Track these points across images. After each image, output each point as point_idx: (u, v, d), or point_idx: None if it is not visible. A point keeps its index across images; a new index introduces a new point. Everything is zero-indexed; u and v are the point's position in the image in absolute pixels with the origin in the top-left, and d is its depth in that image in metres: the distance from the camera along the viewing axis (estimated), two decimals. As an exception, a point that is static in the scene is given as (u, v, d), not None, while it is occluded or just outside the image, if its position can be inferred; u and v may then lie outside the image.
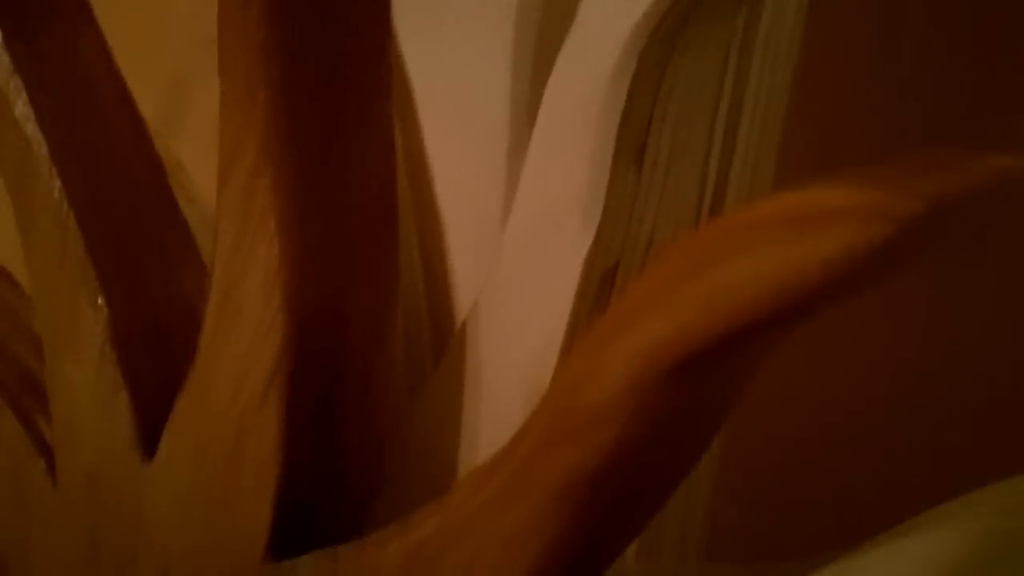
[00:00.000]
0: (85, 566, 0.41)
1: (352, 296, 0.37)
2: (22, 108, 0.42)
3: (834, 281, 0.26)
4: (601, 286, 0.37)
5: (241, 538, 0.38)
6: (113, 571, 0.41)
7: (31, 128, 0.42)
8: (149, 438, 0.40)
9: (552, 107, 0.36)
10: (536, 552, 0.32)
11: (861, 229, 0.26)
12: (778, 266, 0.26)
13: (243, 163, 0.36)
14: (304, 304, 0.36)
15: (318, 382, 0.37)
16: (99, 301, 0.40)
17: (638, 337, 0.29)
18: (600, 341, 0.30)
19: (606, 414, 0.30)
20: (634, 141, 0.36)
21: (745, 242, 0.27)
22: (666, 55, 0.35)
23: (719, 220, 0.28)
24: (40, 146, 0.42)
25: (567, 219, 0.36)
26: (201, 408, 0.39)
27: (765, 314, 0.27)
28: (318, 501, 0.38)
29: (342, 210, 0.36)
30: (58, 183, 0.41)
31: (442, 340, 0.41)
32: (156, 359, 0.41)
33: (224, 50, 0.36)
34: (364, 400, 0.38)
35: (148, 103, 0.42)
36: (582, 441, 0.31)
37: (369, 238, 0.37)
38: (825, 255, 0.26)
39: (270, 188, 0.36)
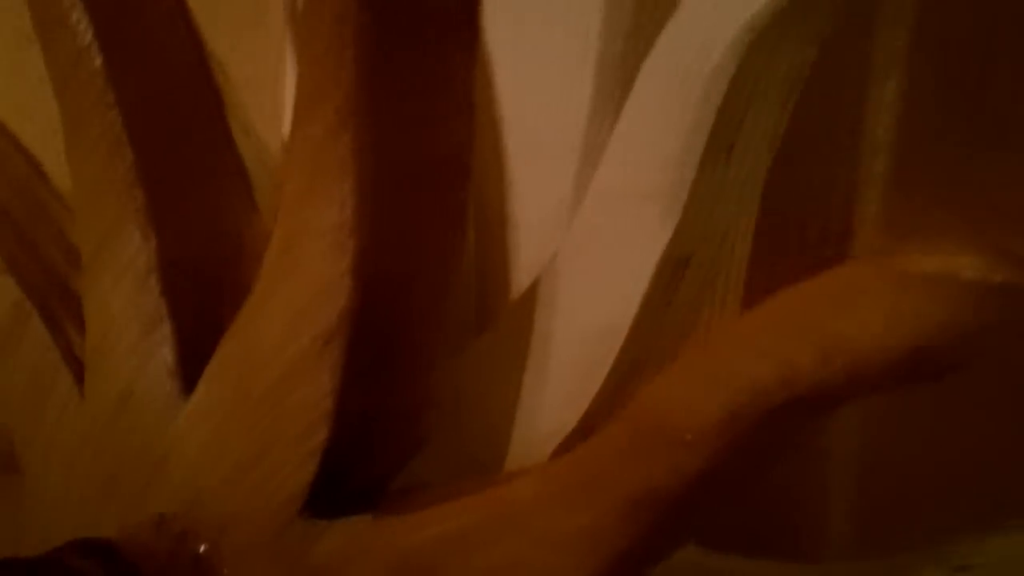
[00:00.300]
0: (103, 484, 0.41)
1: (417, 264, 0.36)
2: (78, 16, 0.40)
3: (966, 344, 0.25)
4: (673, 277, 0.36)
5: (278, 489, 0.37)
6: (131, 494, 0.40)
7: (87, 37, 0.40)
8: (186, 373, 0.39)
9: (643, 97, 0.35)
10: (592, 560, 0.32)
11: (992, 300, 0.25)
12: (909, 324, 0.26)
13: (320, 118, 0.35)
14: (371, 269, 0.35)
15: (373, 346, 0.36)
16: (147, 227, 0.39)
17: (742, 375, 0.28)
18: (698, 369, 0.29)
19: (695, 442, 0.29)
20: (727, 138, 0.35)
21: (870, 295, 0.27)
22: (765, 56, 0.35)
23: (838, 269, 0.27)
24: (95, 57, 0.40)
25: (648, 207, 0.36)
26: (248, 355, 0.38)
27: (885, 370, 0.26)
28: (355, 458, 0.37)
29: (417, 177, 0.35)
30: (111, 96, 0.40)
31: (488, 310, 0.41)
32: (200, 292, 0.40)
33: (311, 3, 0.35)
34: (415, 365, 0.37)
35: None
36: (665, 463, 0.30)
37: (439, 207, 0.36)
38: (960, 318, 0.25)
39: (349, 149, 0.34)
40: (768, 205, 0.35)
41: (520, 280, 0.40)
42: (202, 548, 0.38)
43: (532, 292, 0.38)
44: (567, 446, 0.37)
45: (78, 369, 0.42)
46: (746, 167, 0.36)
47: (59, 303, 0.44)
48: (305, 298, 0.36)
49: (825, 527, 0.39)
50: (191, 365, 0.39)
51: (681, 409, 0.30)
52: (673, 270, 0.36)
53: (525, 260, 0.40)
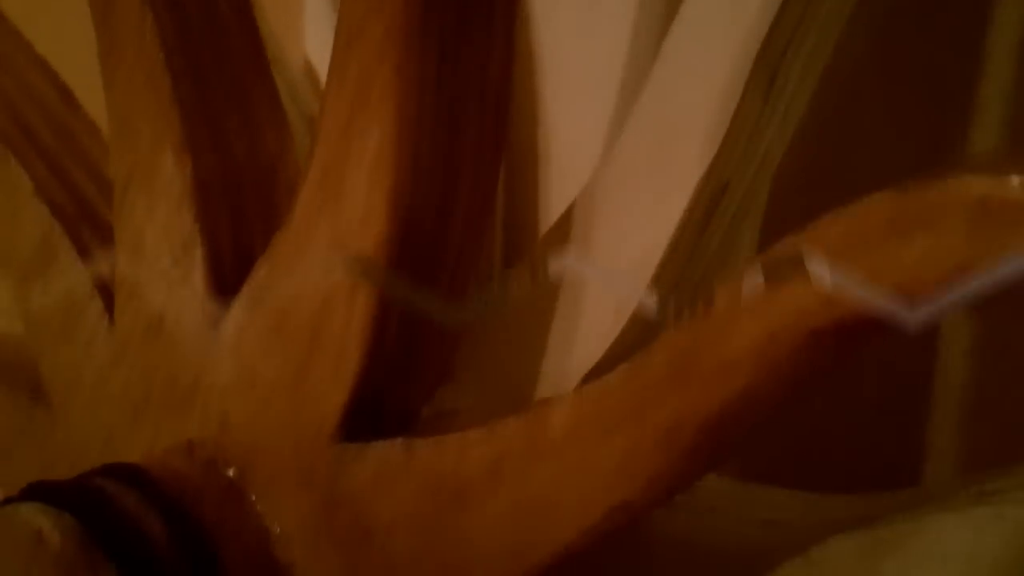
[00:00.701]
0: (132, 410, 0.41)
1: (455, 196, 0.36)
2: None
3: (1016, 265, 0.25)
4: (709, 206, 0.36)
5: (311, 416, 0.37)
6: (161, 420, 0.40)
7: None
8: (218, 299, 0.39)
9: (687, 27, 0.35)
10: (626, 485, 0.32)
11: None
12: (955, 245, 0.26)
13: (365, 44, 0.35)
14: (410, 197, 0.35)
15: (408, 274, 0.36)
16: (183, 152, 0.39)
17: (782, 294, 0.28)
18: (737, 292, 0.29)
19: (734, 365, 0.29)
20: (769, 67, 0.35)
21: (916, 216, 0.26)
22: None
23: (885, 192, 0.27)
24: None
25: (687, 137, 0.35)
26: (284, 279, 0.38)
27: (930, 292, 0.26)
28: (387, 386, 0.37)
29: (458, 107, 0.35)
30: (150, 17, 0.40)
31: (514, 240, 0.41)
32: (234, 218, 0.40)
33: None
34: (449, 294, 0.37)
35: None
36: (702, 386, 0.30)
37: (479, 140, 0.36)
38: (1009, 240, 0.25)
39: (393, 74, 0.34)
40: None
41: (549, 212, 0.40)
42: (231, 473, 0.38)
43: (567, 219, 0.38)
44: (597, 373, 0.37)
45: (108, 296, 0.42)
46: (785, 98, 0.36)
47: (89, 231, 0.44)
48: (343, 225, 0.36)
49: (925, 459, 0.39)
50: (223, 291, 0.39)
51: (719, 331, 0.29)
52: (709, 198, 0.36)
53: (554, 194, 0.40)
